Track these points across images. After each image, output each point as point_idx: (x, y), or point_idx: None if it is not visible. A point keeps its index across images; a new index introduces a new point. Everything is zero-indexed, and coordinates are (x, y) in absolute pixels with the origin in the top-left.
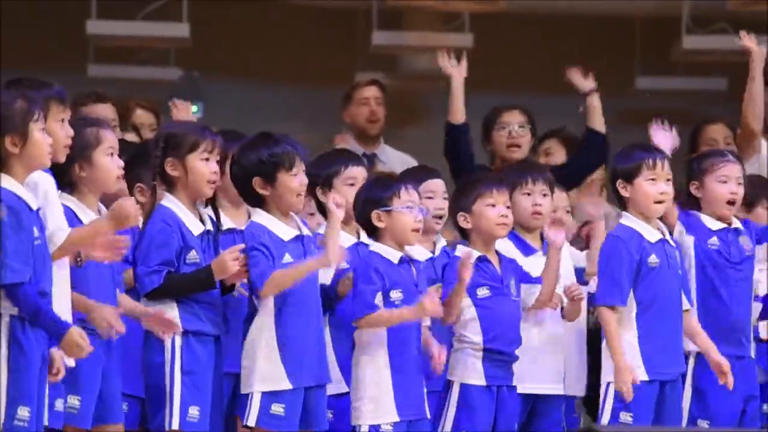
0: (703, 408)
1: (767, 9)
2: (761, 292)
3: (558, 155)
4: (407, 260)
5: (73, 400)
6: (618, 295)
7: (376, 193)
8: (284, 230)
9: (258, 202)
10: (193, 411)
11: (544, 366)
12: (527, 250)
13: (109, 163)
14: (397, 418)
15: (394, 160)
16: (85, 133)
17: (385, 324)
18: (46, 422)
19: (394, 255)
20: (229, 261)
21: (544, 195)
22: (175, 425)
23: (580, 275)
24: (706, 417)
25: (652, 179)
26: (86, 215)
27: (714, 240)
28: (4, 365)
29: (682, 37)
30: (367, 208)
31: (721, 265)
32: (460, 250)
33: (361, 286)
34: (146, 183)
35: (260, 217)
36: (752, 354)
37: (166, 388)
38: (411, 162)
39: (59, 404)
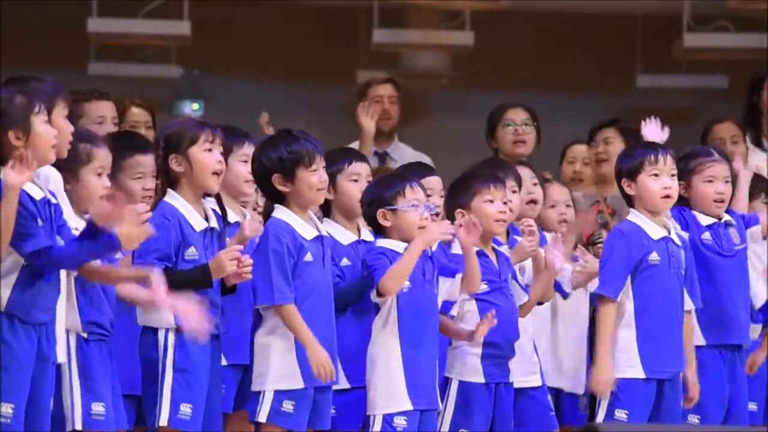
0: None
1: (767, 7)
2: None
3: (616, 144)
4: None
5: (98, 407)
6: (615, 289)
7: (381, 192)
8: (306, 229)
9: (278, 199)
10: (185, 408)
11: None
12: (513, 241)
13: (94, 183)
14: (410, 407)
15: (408, 158)
16: (78, 148)
17: (404, 270)
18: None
19: (401, 247)
20: (227, 261)
21: (513, 191)
22: (164, 422)
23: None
24: (695, 412)
25: (655, 174)
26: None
27: (707, 235)
28: None
29: (683, 35)
30: (372, 208)
31: (715, 259)
32: (458, 248)
33: (374, 266)
34: None
35: (282, 213)
36: (748, 339)
37: (158, 384)
38: (425, 160)
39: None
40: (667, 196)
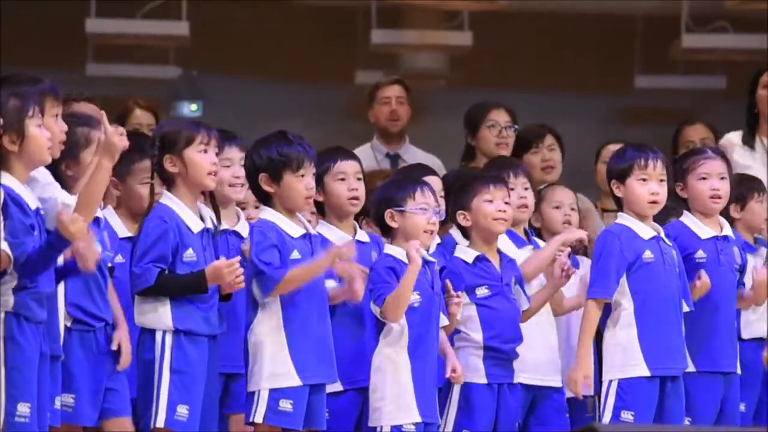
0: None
1: (767, 7)
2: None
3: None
4: (423, 261)
5: (67, 399)
6: (605, 288)
7: (391, 193)
8: (292, 227)
9: (266, 198)
10: (182, 410)
11: (539, 357)
12: (519, 242)
13: None
14: (418, 418)
15: (418, 160)
16: (75, 132)
17: (403, 298)
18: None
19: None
20: (225, 271)
21: (526, 188)
22: (161, 423)
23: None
24: (687, 414)
25: (644, 179)
26: None
27: (700, 253)
28: (1, 362)
29: (681, 36)
30: (381, 207)
31: (710, 277)
32: (460, 251)
33: (378, 286)
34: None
35: (268, 213)
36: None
37: (154, 385)
38: (435, 163)
39: (58, 402)
40: (654, 202)
